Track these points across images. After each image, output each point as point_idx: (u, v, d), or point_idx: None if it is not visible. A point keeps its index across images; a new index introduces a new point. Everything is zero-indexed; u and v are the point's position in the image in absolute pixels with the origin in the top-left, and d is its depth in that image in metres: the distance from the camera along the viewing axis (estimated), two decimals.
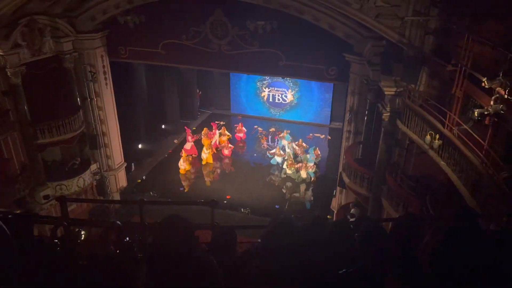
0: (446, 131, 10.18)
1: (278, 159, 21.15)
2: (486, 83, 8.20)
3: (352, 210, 15.22)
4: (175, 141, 23.96)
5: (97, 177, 18.84)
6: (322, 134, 23.63)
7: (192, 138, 22.07)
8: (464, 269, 2.68)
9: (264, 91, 26.84)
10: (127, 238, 6.74)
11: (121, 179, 20.06)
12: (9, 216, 4.95)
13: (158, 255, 2.83)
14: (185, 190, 20.28)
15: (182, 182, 20.70)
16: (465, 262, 2.70)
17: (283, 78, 24.37)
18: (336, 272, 3.10)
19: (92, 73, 17.17)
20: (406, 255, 3.22)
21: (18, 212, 10.57)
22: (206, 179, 21.24)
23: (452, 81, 10.10)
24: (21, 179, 15.44)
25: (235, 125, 24.54)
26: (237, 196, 19.19)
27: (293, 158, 20.73)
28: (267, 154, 21.93)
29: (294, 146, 21.52)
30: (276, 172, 21.20)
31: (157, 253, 2.88)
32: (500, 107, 8.16)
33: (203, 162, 21.87)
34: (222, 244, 4.16)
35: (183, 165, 21.07)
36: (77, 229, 11.60)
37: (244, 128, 24.32)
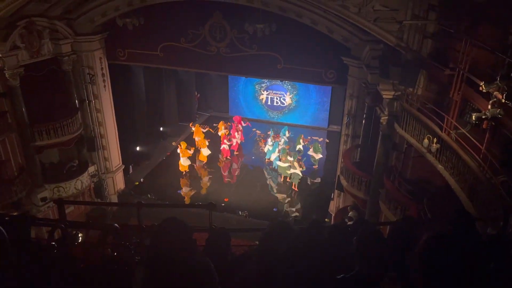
0: (444, 135, 10.20)
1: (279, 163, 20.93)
2: (483, 87, 8.22)
3: (350, 213, 15.25)
4: (173, 143, 23.91)
5: (95, 179, 18.80)
6: (320, 137, 23.63)
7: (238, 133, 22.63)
8: (457, 273, 2.68)
9: (263, 94, 26.84)
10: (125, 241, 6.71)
11: (119, 182, 20.01)
12: (6, 218, 4.93)
13: (156, 258, 2.83)
14: (183, 193, 20.22)
15: (180, 185, 20.65)
16: (459, 265, 2.70)
17: (281, 81, 24.36)
18: (334, 277, 3.10)
19: (91, 75, 17.15)
20: (404, 258, 3.22)
21: (15, 214, 10.52)
22: (203, 182, 21.17)
23: (450, 85, 10.13)
24: (18, 181, 15.36)
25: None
26: (235, 199, 19.15)
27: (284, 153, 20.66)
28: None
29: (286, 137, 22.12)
30: (271, 176, 21.15)
31: (155, 256, 2.88)
32: (498, 111, 8.18)
33: (204, 160, 21.78)
34: (215, 246, 4.17)
35: (185, 162, 20.91)
36: (74, 232, 11.54)
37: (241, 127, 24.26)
